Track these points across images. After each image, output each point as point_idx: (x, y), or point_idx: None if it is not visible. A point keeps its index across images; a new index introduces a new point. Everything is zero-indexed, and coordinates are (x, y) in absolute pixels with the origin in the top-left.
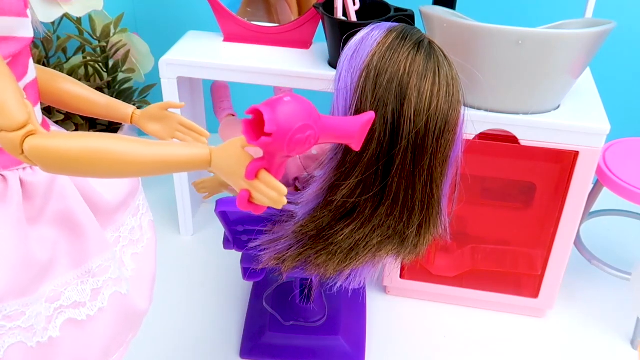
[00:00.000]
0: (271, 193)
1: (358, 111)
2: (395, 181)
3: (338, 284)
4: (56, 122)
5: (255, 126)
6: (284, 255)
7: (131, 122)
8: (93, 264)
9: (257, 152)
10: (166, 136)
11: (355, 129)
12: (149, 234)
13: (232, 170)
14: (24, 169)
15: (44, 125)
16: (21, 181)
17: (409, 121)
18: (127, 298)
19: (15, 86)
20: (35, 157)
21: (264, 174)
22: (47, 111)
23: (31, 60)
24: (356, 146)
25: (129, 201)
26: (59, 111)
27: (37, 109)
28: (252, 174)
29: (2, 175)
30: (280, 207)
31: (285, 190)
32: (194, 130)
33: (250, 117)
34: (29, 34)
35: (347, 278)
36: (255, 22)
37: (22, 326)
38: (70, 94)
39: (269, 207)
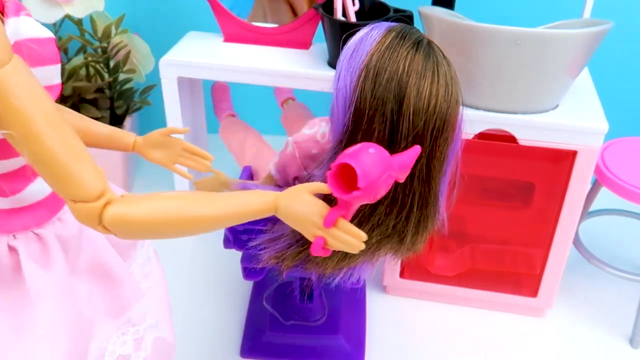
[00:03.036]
0: (351, 240)
1: (357, 110)
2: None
3: (336, 281)
4: None
5: (340, 178)
6: (283, 254)
7: (133, 150)
8: (132, 313)
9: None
10: (169, 162)
11: (410, 164)
12: (155, 263)
13: (304, 217)
14: (58, 220)
15: None
16: (56, 237)
17: (408, 120)
18: (165, 340)
19: (85, 151)
20: (115, 226)
21: (343, 222)
22: None
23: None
24: (403, 179)
25: None
26: None
27: None
28: (331, 222)
29: (36, 234)
30: (357, 252)
31: (364, 236)
32: (197, 155)
33: (332, 170)
34: (59, 80)
35: (345, 275)
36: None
37: None
38: (73, 127)
39: None
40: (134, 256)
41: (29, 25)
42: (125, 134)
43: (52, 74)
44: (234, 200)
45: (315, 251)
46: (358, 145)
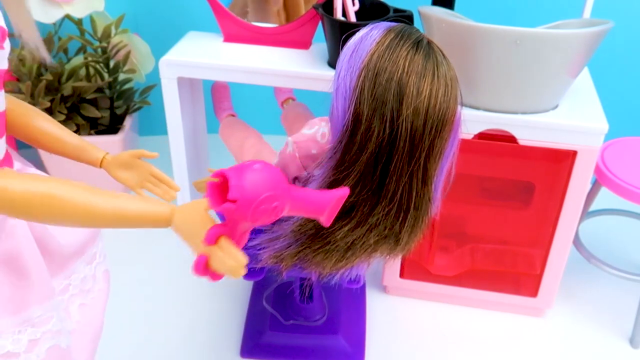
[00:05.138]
0: (229, 262)
1: (357, 110)
2: (393, 180)
3: (335, 279)
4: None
5: (222, 190)
6: (282, 254)
7: (100, 167)
8: (33, 313)
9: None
10: (135, 186)
11: (327, 205)
12: (101, 285)
13: (193, 233)
14: None
15: (7, 160)
16: None
17: (407, 120)
18: (67, 353)
19: None
20: None
21: (224, 241)
22: (49, 111)
23: (2, 92)
24: (326, 222)
25: (85, 248)
26: (60, 111)
27: (1, 142)
28: (213, 239)
29: None
30: (238, 277)
31: (244, 260)
32: (164, 182)
33: (216, 180)
34: (4, 65)
35: (343, 274)
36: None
37: None
38: (42, 131)
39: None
40: (74, 268)
41: None
42: (95, 149)
43: None
44: (128, 201)
45: (196, 269)
46: (247, 161)
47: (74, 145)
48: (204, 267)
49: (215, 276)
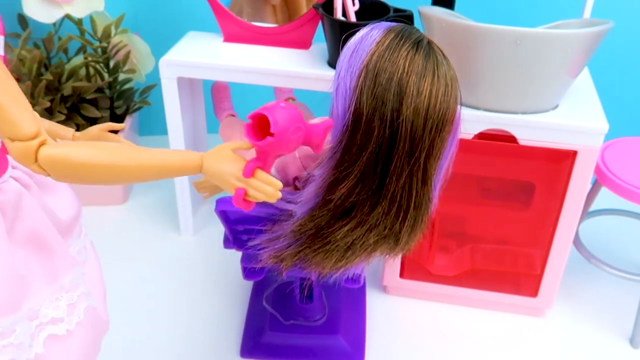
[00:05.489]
0: (268, 188)
1: (357, 110)
2: (393, 180)
3: (335, 278)
4: (58, 122)
5: (256, 129)
6: (282, 254)
7: None
8: (65, 280)
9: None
10: None
11: (318, 135)
12: (92, 254)
13: (226, 171)
14: None
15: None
16: None
17: (407, 120)
18: (97, 311)
19: (24, 98)
20: (48, 165)
21: (260, 172)
22: (49, 112)
23: None
24: (317, 150)
25: (75, 223)
26: (60, 111)
27: None
28: (250, 172)
29: None
30: (274, 201)
31: (280, 184)
32: None
33: (249, 121)
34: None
35: (343, 273)
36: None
37: (14, 343)
38: None
39: (267, 207)
40: (70, 242)
41: None
42: (63, 129)
43: None
44: (163, 154)
45: (237, 202)
46: (273, 102)
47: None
48: (242, 199)
49: (249, 205)
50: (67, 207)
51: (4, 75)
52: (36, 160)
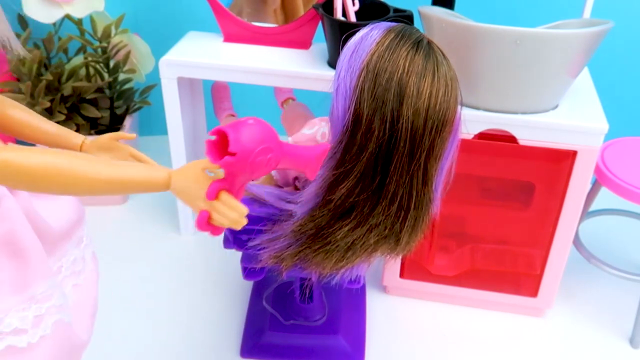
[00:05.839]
0: (231, 214)
1: (357, 111)
2: (394, 180)
3: (335, 279)
4: (57, 122)
5: (219, 147)
6: (282, 254)
7: (80, 152)
8: (36, 290)
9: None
10: None
11: (311, 160)
12: (90, 266)
13: (192, 192)
14: None
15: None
16: None
17: (407, 120)
18: (70, 327)
19: None
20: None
21: (224, 195)
22: (49, 112)
23: None
24: (310, 175)
25: (73, 231)
26: (60, 111)
27: None
28: (213, 194)
29: None
30: (239, 228)
31: (245, 210)
32: (144, 162)
33: (213, 138)
34: None
35: (344, 274)
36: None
37: None
38: (16, 120)
39: (267, 207)
40: (66, 250)
41: None
42: (73, 135)
43: None
44: (127, 168)
45: (199, 225)
46: (242, 118)
47: (52, 133)
48: (206, 223)
49: (217, 230)
50: (63, 214)
51: None
52: None
